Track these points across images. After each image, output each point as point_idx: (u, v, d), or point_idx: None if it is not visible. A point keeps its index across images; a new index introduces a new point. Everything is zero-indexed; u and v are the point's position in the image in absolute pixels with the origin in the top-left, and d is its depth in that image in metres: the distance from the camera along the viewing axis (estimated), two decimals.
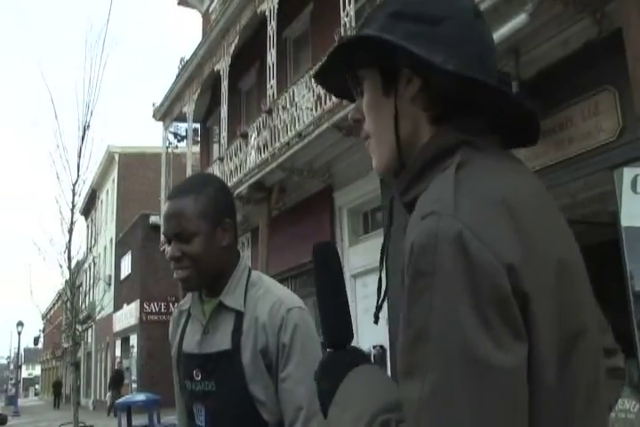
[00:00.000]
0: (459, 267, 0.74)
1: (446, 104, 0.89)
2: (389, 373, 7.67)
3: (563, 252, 0.84)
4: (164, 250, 17.48)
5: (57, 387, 41.44)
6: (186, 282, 1.65)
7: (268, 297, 1.65)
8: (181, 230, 1.63)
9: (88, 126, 11.17)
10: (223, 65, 13.19)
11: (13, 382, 48.64)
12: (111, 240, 30.15)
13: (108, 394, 16.57)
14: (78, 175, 11.18)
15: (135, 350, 25.47)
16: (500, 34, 5.78)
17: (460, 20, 0.90)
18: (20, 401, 40.18)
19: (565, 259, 0.83)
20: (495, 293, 0.74)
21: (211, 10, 17.28)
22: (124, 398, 9.37)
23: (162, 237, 17.17)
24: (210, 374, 1.62)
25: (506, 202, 0.79)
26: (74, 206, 11.17)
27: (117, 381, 22.39)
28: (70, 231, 11.02)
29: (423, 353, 0.74)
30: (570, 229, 0.92)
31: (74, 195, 11.13)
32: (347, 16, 8.69)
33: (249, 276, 1.71)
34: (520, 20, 5.62)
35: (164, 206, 1.70)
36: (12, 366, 57.10)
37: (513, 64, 6.26)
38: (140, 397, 9.13)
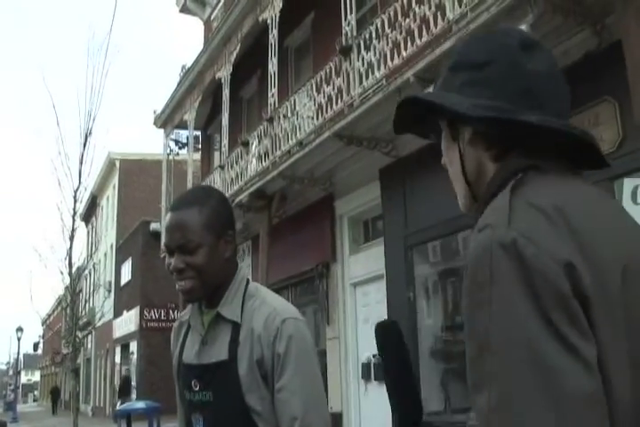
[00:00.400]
0: (517, 273, 0.75)
1: (503, 141, 0.94)
2: None
3: (633, 258, 0.84)
4: (164, 257, 17.44)
5: (54, 393, 41.82)
6: (189, 294, 1.66)
7: (264, 308, 1.66)
8: (186, 242, 1.64)
9: (90, 133, 11.19)
10: (224, 73, 13.23)
11: (12, 387, 48.50)
12: (111, 246, 30.15)
13: (119, 402, 16.42)
14: (80, 182, 11.21)
15: (135, 356, 25.42)
16: None
17: (504, 59, 0.94)
18: (19, 407, 40.09)
19: (635, 265, 0.83)
20: (556, 295, 0.74)
21: (212, 17, 17.35)
22: (124, 406, 9.35)
23: (162, 245, 17.18)
24: (207, 384, 1.64)
25: (560, 209, 0.81)
26: (75, 213, 11.17)
27: (127, 388, 22.31)
28: (71, 238, 11.03)
29: (489, 366, 0.75)
30: None
31: (75, 201, 11.14)
32: (348, 25, 8.73)
33: (246, 287, 1.72)
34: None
35: (167, 218, 1.69)
36: (11, 372, 56.96)
37: None
38: (141, 404, 9.11)
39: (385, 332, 0.97)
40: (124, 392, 21.07)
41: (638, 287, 0.82)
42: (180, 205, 1.70)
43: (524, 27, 5.59)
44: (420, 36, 7.18)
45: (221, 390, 1.62)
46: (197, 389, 1.66)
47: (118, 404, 15.56)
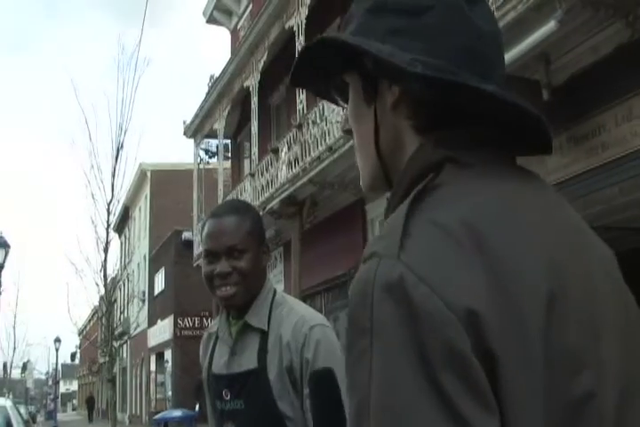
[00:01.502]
0: (401, 321, 0.59)
1: (433, 111, 0.74)
2: None
3: (562, 275, 0.66)
4: (197, 265, 17.60)
5: (90, 402, 43.51)
6: (231, 299, 1.69)
7: (292, 316, 1.69)
8: (234, 245, 1.67)
9: (122, 146, 11.34)
10: (252, 81, 13.33)
11: (52, 397, 49.25)
12: (144, 257, 30.48)
13: (197, 405, 16.28)
14: (113, 195, 11.35)
15: (170, 365, 25.62)
16: (528, 42, 5.76)
17: (446, 7, 0.74)
18: (59, 416, 40.78)
19: (567, 288, 0.66)
20: (449, 353, 0.58)
21: (239, 27, 17.50)
22: (161, 414, 9.41)
23: (195, 253, 17.31)
24: (238, 393, 1.66)
25: (471, 225, 0.64)
26: (109, 225, 11.33)
27: (202, 390, 22.34)
28: (106, 250, 11.17)
29: None
30: (602, 248, 0.77)
31: (109, 214, 11.29)
32: None
33: (274, 296, 1.75)
34: (549, 27, 5.60)
35: (210, 224, 1.73)
36: (50, 382, 57.81)
37: (543, 71, 6.23)
38: (177, 413, 9.17)
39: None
40: (197, 396, 21.17)
41: (565, 321, 0.64)
42: (225, 211, 1.75)
43: (552, 23, 5.54)
44: None
45: (253, 398, 1.64)
46: (228, 398, 1.68)
47: (197, 407, 15.50)
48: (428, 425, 0.56)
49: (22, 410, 8.26)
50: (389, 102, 0.76)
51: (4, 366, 32.25)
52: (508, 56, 5.97)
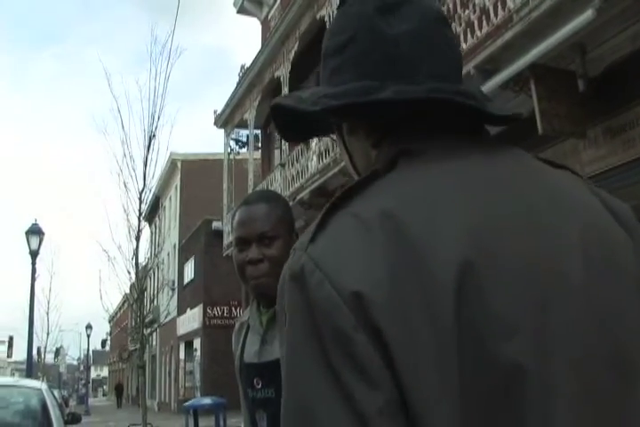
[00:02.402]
0: (302, 308, 0.65)
1: (380, 126, 0.80)
2: None
3: (508, 249, 0.67)
4: (227, 255, 17.74)
5: (119, 389, 44.68)
6: (262, 287, 1.69)
7: None
8: (265, 231, 1.68)
9: (154, 136, 11.43)
10: (283, 71, 13.33)
11: (83, 382, 50.20)
12: (174, 246, 30.79)
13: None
14: (144, 184, 11.46)
15: (198, 353, 25.91)
16: (564, 31, 5.67)
17: (361, 32, 0.80)
18: (90, 400, 41.56)
19: (497, 258, 0.66)
20: (335, 332, 0.63)
21: (270, 17, 17.50)
22: (190, 402, 9.53)
23: (224, 243, 17.43)
24: (270, 381, 1.66)
25: (390, 215, 0.66)
26: (141, 214, 11.45)
27: None
28: (138, 238, 11.30)
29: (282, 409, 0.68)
30: (594, 216, 0.75)
31: (140, 203, 11.40)
32: None
33: None
34: (586, 16, 5.50)
35: (241, 212, 1.74)
36: (81, 367, 58.89)
37: (579, 61, 6.13)
38: (207, 400, 9.29)
39: None
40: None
41: (487, 290, 0.64)
42: (255, 199, 1.76)
43: (589, 11, 5.44)
44: (480, 27, 7.06)
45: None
46: (260, 386, 1.70)
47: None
48: (322, 402, 0.62)
49: (56, 394, 8.42)
50: (346, 131, 0.85)
51: (38, 350, 32.88)
52: (543, 46, 5.88)
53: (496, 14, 6.76)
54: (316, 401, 0.62)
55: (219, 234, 19.59)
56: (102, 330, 59.75)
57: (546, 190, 0.74)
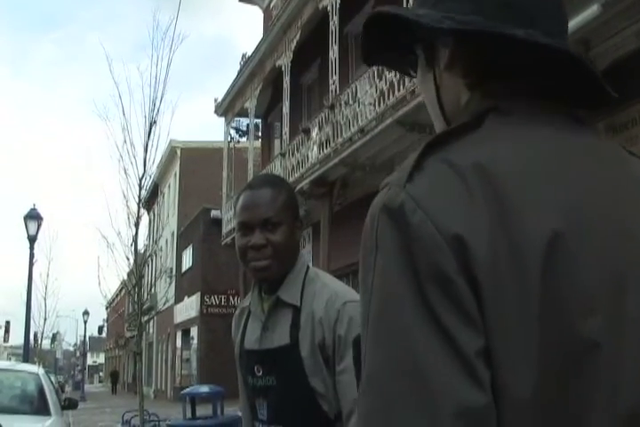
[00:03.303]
0: (398, 244, 0.65)
1: (482, 67, 0.79)
2: None
3: (573, 225, 0.67)
4: (225, 244, 17.75)
5: (114, 376, 45.12)
6: (264, 272, 1.68)
7: (325, 292, 1.66)
8: (270, 217, 1.66)
9: (154, 122, 11.40)
10: (285, 61, 13.29)
11: (79, 368, 50.40)
12: (172, 234, 30.80)
13: None
14: (145, 170, 11.44)
15: (195, 341, 25.98)
16: (570, 25, 5.65)
17: None
18: (86, 387, 41.74)
19: (586, 233, 0.67)
20: (437, 273, 0.63)
21: (272, 6, 17.41)
22: (188, 389, 9.57)
23: (223, 231, 17.45)
24: (270, 369, 1.66)
25: (483, 167, 0.67)
26: (140, 200, 11.44)
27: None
28: (137, 225, 11.29)
29: (364, 347, 0.66)
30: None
31: (140, 189, 11.39)
32: None
33: (307, 272, 1.73)
34: (592, 11, 5.50)
35: (245, 196, 1.71)
36: (78, 354, 59.08)
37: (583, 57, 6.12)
38: (205, 388, 9.33)
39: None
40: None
41: (574, 262, 0.65)
42: (260, 184, 1.73)
43: (595, 6, 5.43)
44: None
45: (285, 374, 1.64)
46: (260, 374, 1.68)
47: None
48: (414, 333, 0.62)
49: (52, 379, 8.45)
50: (443, 65, 0.81)
51: (35, 335, 32.93)
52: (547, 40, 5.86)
53: None
54: (415, 340, 0.62)
55: (217, 222, 19.59)
56: (99, 316, 59.84)
57: (631, 176, 0.75)
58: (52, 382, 7.24)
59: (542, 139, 0.73)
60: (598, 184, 0.71)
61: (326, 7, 11.25)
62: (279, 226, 1.67)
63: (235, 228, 1.74)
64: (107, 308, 49.84)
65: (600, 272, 0.66)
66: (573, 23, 5.60)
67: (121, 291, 39.04)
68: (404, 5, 8.63)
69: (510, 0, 0.77)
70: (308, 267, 1.75)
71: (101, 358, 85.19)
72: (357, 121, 9.85)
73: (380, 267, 0.66)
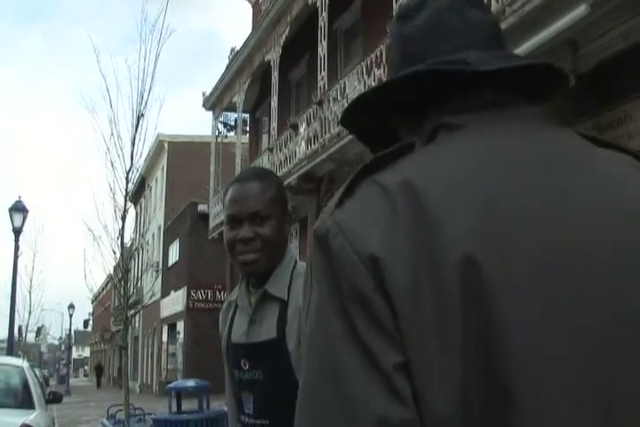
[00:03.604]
0: (324, 267, 0.69)
1: (420, 111, 0.83)
2: None
3: (532, 245, 0.66)
4: (212, 238, 17.71)
5: (98, 369, 45.42)
6: (252, 265, 1.68)
7: None
8: (258, 210, 1.66)
9: (142, 115, 11.33)
10: (274, 55, 13.27)
11: (64, 362, 50.20)
12: (159, 228, 30.70)
13: None
14: (132, 163, 11.37)
15: (181, 336, 25.94)
16: (556, 26, 5.69)
17: (391, 42, 0.90)
18: (71, 381, 41.58)
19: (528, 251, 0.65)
20: (356, 293, 0.65)
21: (261, 0, 17.36)
22: (174, 383, 9.57)
23: (210, 226, 17.42)
24: (257, 363, 1.66)
25: (410, 185, 0.68)
26: (127, 193, 11.38)
27: None
28: (123, 218, 11.24)
29: (301, 366, 0.72)
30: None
31: (127, 182, 11.33)
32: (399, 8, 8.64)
33: (294, 267, 1.74)
34: (579, 11, 5.52)
35: (234, 189, 1.71)
36: (63, 347, 58.82)
37: (570, 57, 6.15)
38: (191, 382, 9.33)
39: None
40: None
41: (482, 285, 0.64)
42: (249, 177, 1.73)
43: (583, 7, 5.47)
44: None
45: (272, 368, 1.64)
46: (247, 368, 1.68)
47: None
48: (338, 349, 0.65)
49: (37, 373, 8.40)
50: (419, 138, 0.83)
51: (20, 329, 32.72)
52: (535, 41, 5.90)
53: (489, 5, 6.77)
54: (338, 356, 0.65)
55: (204, 217, 19.55)
56: (85, 310, 59.62)
57: (588, 176, 0.72)
58: (36, 376, 7.20)
59: (488, 151, 0.72)
60: (542, 196, 0.69)
61: (316, 3, 11.23)
62: (268, 219, 1.67)
63: (223, 221, 1.75)
64: (92, 301, 49.66)
65: (522, 294, 0.64)
66: (561, 23, 5.64)
67: (107, 285, 38.89)
68: (394, 5, 8.64)
69: (409, 49, 0.85)
70: (295, 261, 1.75)
71: (87, 352, 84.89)
72: None
73: (314, 289, 0.70)
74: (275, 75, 13.22)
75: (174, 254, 27.72)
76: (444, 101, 0.80)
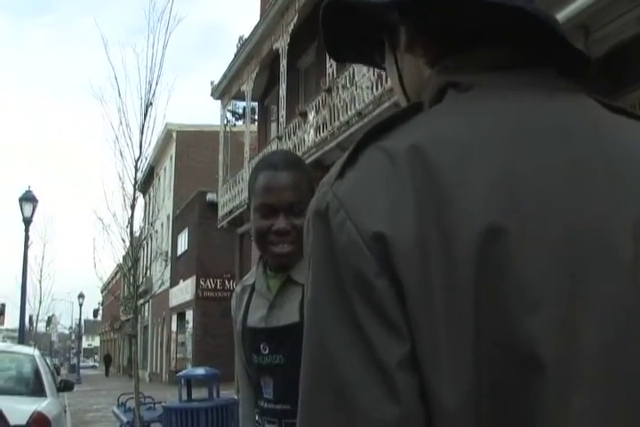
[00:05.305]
0: (323, 247, 0.62)
1: (440, 42, 0.73)
2: None
3: (542, 215, 0.59)
4: (221, 227, 17.74)
5: (107, 359, 46.55)
6: (287, 257, 1.65)
7: None
8: (297, 201, 1.62)
9: (150, 104, 11.31)
10: (282, 44, 13.20)
11: (75, 351, 50.64)
12: (168, 217, 30.79)
13: None
14: (140, 152, 11.36)
15: (190, 325, 26.09)
16: (568, 11, 5.62)
17: None
18: (81, 370, 41.99)
19: (529, 221, 0.59)
20: (355, 275, 0.59)
21: None
22: (184, 372, 9.60)
23: (219, 215, 17.43)
24: (278, 347, 1.64)
25: (420, 150, 0.61)
26: (136, 182, 11.39)
27: None
28: (132, 207, 11.25)
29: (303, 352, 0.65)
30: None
31: (136, 171, 11.33)
32: None
33: None
34: None
35: (269, 176, 1.65)
36: (73, 337, 59.27)
37: (582, 42, 6.08)
38: (201, 371, 9.35)
39: None
40: None
41: (506, 257, 0.58)
42: (285, 165, 1.68)
43: None
44: None
45: (294, 351, 1.60)
46: (267, 352, 1.66)
47: None
48: (341, 350, 0.58)
49: (48, 361, 8.47)
50: (403, 46, 0.77)
51: (30, 318, 32.99)
52: None
53: None
54: (335, 349, 0.59)
55: (213, 206, 19.57)
56: (94, 300, 59.99)
57: (611, 150, 0.65)
58: (47, 364, 7.25)
59: (500, 114, 0.65)
60: (557, 164, 0.62)
61: None
62: (303, 211, 1.60)
63: (251, 208, 1.67)
64: (102, 291, 49.98)
65: (548, 266, 0.58)
66: (572, 8, 5.56)
67: (116, 274, 39.11)
68: None
69: None
70: None
71: (97, 342, 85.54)
72: (355, 104, 9.81)
73: (311, 272, 0.63)
74: (283, 63, 13.17)
75: (183, 243, 27.82)
76: (456, 52, 0.71)
